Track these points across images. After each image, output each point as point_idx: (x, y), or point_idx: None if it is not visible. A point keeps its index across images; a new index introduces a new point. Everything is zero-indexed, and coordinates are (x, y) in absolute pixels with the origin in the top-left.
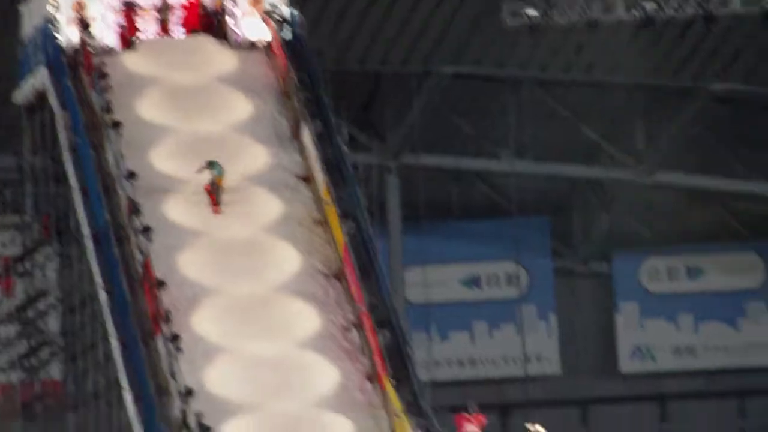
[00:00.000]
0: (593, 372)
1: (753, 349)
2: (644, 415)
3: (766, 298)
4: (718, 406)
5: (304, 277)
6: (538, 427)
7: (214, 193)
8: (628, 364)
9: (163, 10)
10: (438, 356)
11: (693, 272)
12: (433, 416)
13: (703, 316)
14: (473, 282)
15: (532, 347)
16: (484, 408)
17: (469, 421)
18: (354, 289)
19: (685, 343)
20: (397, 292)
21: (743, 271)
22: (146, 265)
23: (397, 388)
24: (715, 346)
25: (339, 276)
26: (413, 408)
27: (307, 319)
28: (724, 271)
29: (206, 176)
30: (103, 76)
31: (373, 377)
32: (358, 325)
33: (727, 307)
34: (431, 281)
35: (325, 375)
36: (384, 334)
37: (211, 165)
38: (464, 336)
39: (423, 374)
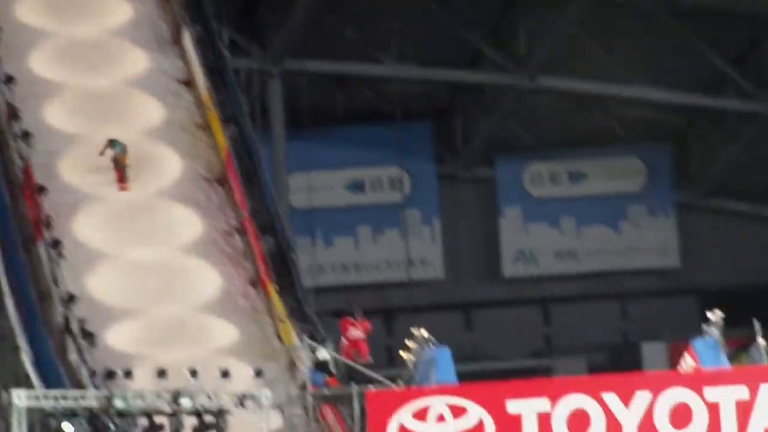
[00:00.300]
0: (477, 276)
1: (634, 252)
2: (527, 319)
3: (648, 202)
4: (599, 308)
5: (186, 182)
6: (422, 331)
7: (120, 170)
8: (511, 268)
9: None
10: (322, 261)
11: (575, 176)
12: (317, 321)
13: (586, 220)
14: (357, 187)
15: (416, 252)
16: (368, 313)
17: (353, 325)
18: (237, 194)
19: (567, 246)
20: (281, 197)
21: (625, 176)
22: (26, 170)
23: (281, 293)
24: (596, 249)
25: (221, 181)
26: (297, 313)
27: (189, 224)
28: (606, 176)
29: (108, 154)
30: None
31: (256, 282)
32: (241, 231)
33: (608, 210)
34: (315, 186)
35: (208, 280)
36: (267, 239)
37: (112, 144)
38: (348, 241)
39: (307, 280)
